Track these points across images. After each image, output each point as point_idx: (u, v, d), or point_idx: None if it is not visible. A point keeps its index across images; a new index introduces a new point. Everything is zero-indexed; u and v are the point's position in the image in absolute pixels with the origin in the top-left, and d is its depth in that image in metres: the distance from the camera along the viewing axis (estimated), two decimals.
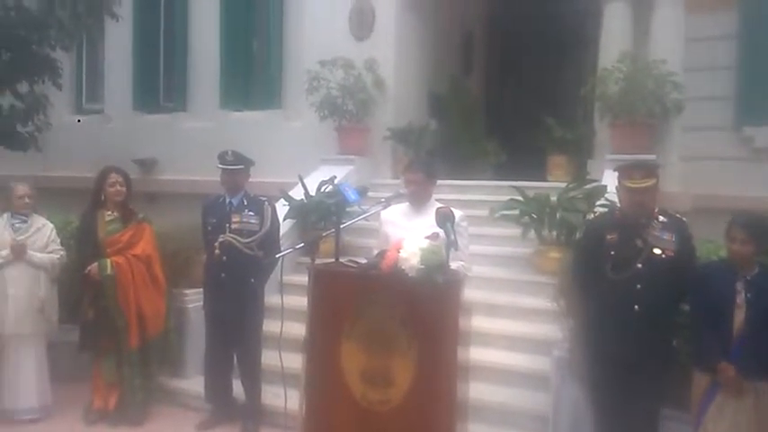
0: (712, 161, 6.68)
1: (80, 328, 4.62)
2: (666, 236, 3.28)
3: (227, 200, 4.49)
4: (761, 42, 6.80)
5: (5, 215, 4.65)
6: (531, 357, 4.50)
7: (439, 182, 3.95)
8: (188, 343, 5.09)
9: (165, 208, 7.28)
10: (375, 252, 3.50)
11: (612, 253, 3.31)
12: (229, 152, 4.47)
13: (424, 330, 3.14)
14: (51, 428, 4.53)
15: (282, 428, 3.74)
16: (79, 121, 9.76)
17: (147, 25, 9.39)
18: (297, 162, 7.02)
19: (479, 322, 4.52)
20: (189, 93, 9.06)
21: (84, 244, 4.59)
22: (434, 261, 3.06)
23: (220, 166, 4.45)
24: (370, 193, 3.88)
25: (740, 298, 3.15)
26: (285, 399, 3.58)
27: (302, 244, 3.71)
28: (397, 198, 3.73)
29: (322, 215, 5.93)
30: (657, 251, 3.26)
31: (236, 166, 4.44)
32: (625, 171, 3.35)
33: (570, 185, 5.43)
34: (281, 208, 5.87)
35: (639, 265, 3.25)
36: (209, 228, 4.47)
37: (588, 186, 5.31)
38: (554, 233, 5.21)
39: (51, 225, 4.76)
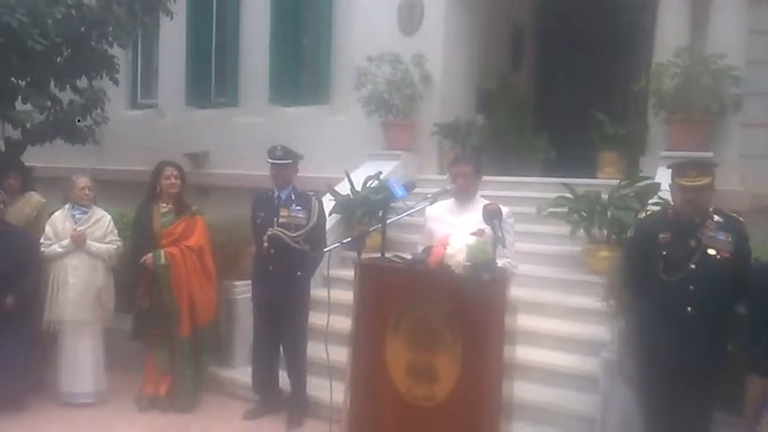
0: None
1: (134, 316, 4.77)
2: (722, 236, 3.17)
3: (276, 194, 4.56)
4: None
5: (66, 206, 4.84)
6: (579, 358, 4.43)
7: (486, 178, 3.92)
8: (237, 333, 5.20)
9: (215, 201, 7.46)
10: (420, 248, 3.50)
11: (665, 253, 3.22)
12: (279, 147, 4.53)
13: (470, 327, 3.12)
14: (105, 412, 4.70)
15: (327, 420, 3.77)
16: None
17: (199, 22, 9.60)
18: (344, 157, 7.08)
19: (526, 321, 4.48)
20: (240, 88, 9.24)
21: (139, 235, 4.74)
22: (481, 258, 3.04)
23: (270, 160, 4.52)
24: (416, 189, 3.87)
25: None
26: (330, 391, 3.61)
27: (349, 238, 3.73)
28: (444, 194, 3.71)
29: (368, 210, 5.96)
30: (712, 252, 3.15)
31: (284, 160, 4.50)
32: (679, 169, 3.24)
33: (622, 183, 5.29)
34: (328, 203, 5.92)
35: (693, 266, 3.15)
36: (258, 221, 4.55)
37: (640, 184, 5.17)
38: (604, 231, 5.10)
39: (109, 216, 4.93)
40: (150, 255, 4.59)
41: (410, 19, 7.58)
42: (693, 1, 6.22)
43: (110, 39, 7.60)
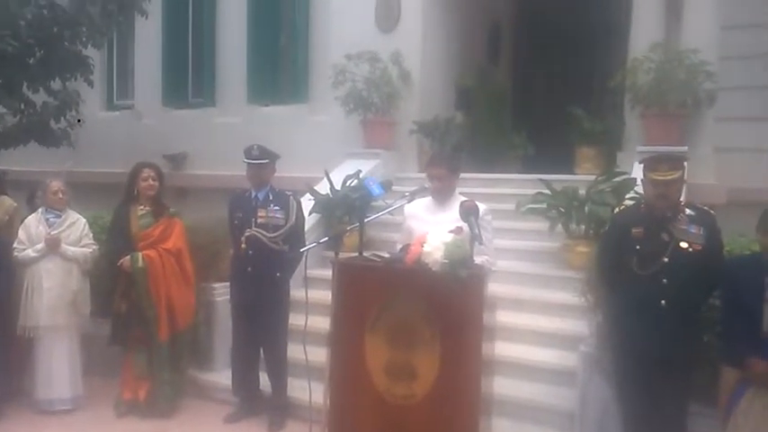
0: (747, 153, 6.49)
1: (111, 321, 4.71)
2: (694, 229, 3.21)
3: (254, 194, 4.52)
4: None
5: (40, 210, 4.78)
6: (558, 353, 4.45)
7: (465, 175, 3.92)
8: (216, 336, 5.15)
9: (193, 202, 7.40)
10: (399, 246, 3.49)
11: (638, 247, 3.26)
12: (255, 147, 4.50)
13: (448, 325, 3.12)
14: (82, 419, 4.63)
15: (308, 422, 3.76)
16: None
17: (175, 22, 9.51)
18: (323, 156, 7.04)
19: (506, 317, 4.49)
20: (217, 88, 9.16)
21: (116, 238, 4.68)
22: (458, 255, 3.04)
23: (246, 160, 4.48)
24: (395, 187, 3.87)
25: None
26: (310, 392, 3.60)
27: (326, 238, 3.72)
28: (421, 192, 3.71)
29: (347, 209, 5.93)
30: (684, 245, 3.19)
31: (261, 160, 4.47)
32: (650, 163, 3.28)
33: (599, 178, 5.34)
34: (307, 202, 5.89)
35: (666, 260, 3.19)
36: (236, 222, 4.52)
37: (617, 179, 5.21)
38: (582, 227, 5.14)
39: (84, 220, 4.86)
40: (128, 258, 4.53)
41: (387, 16, 7.57)
42: None
43: (84, 39, 7.52)
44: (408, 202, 3.72)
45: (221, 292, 5.09)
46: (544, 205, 5.26)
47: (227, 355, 4.92)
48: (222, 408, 4.74)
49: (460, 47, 8.11)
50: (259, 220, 4.41)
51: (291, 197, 4.57)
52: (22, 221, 4.77)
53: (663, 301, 3.19)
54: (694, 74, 5.86)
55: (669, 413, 3.26)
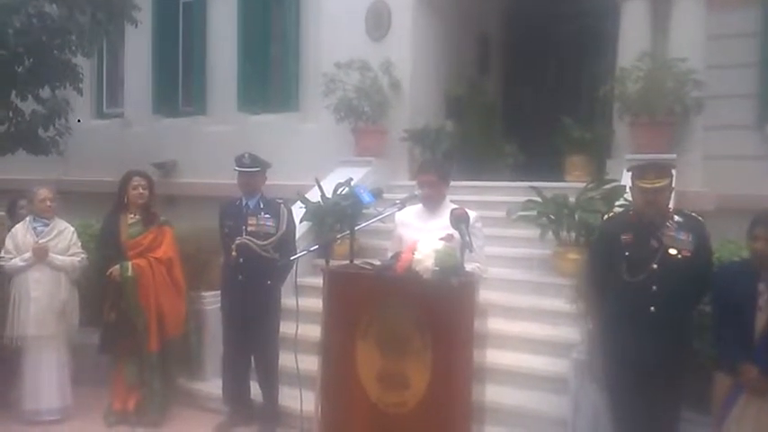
0: (735, 160, 6.54)
1: (101, 330, 4.67)
2: (682, 236, 3.23)
3: (244, 202, 4.51)
4: None
5: (27, 218, 4.73)
6: (549, 360, 4.45)
7: (456, 183, 3.93)
8: (207, 345, 5.12)
9: (184, 211, 7.35)
10: (390, 254, 3.49)
11: (627, 254, 3.27)
12: (246, 155, 4.49)
13: (439, 332, 3.12)
14: (71, 430, 4.59)
15: (299, 430, 3.74)
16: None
17: (165, 30, 9.50)
18: (314, 164, 7.04)
19: (497, 324, 4.49)
20: (207, 97, 9.15)
21: (106, 246, 4.65)
22: (449, 263, 3.04)
23: (237, 168, 4.47)
24: (386, 195, 3.88)
25: (762, 299, 3.07)
26: (301, 401, 3.58)
27: (316, 246, 3.72)
28: (412, 200, 3.71)
29: (338, 217, 5.93)
30: (673, 251, 3.21)
31: (252, 168, 4.46)
32: (638, 171, 3.31)
33: (589, 186, 5.37)
34: (298, 210, 5.88)
35: (655, 266, 3.21)
36: (227, 230, 4.50)
37: (607, 187, 5.24)
38: (572, 234, 5.16)
39: (72, 228, 4.82)
40: (117, 267, 4.50)
41: (378, 25, 7.60)
42: (654, 7, 6.35)
43: (73, 48, 7.49)
44: (399, 209, 3.72)
45: (212, 301, 5.06)
46: (534, 213, 5.27)
47: (217, 363, 4.88)
48: (213, 417, 4.70)
49: (450, 56, 8.15)
50: (250, 228, 4.40)
51: (282, 205, 4.56)
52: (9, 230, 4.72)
53: (652, 308, 3.20)
54: (682, 82, 5.92)
55: (661, 420, 3.26)
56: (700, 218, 3.38)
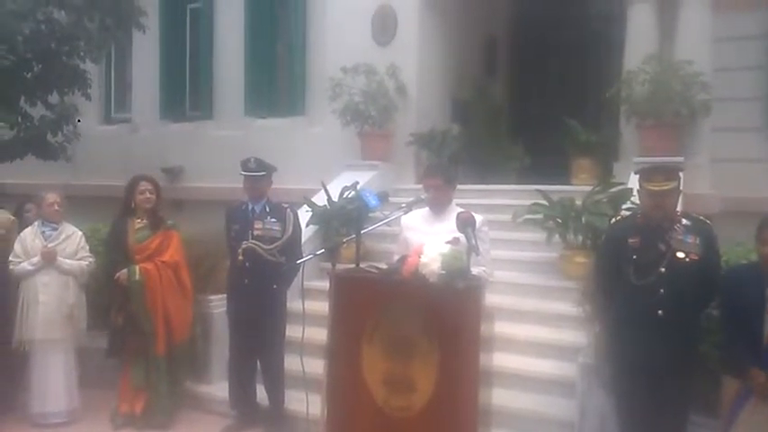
0: (742, 163, 6.50)
1: (108, 334, 4.69)
2: (690, 239, 3.22)
3: (250, 206, 4.53)
4: None
5: (36, 223, 4.77)
6: (556, 364, 4.44)
7: (462, 186, 3.93)
8: (213, 348, 5.13)
9: (191, 215, 7.37)
10: (396, 257, 3.49)
11: (635, 257, 3.26)
12: (252, 159, 4.51)
13: (446, 336, 3.11)
14: None
15: None
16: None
17: (172, 36, 9.56)
18: (320, 168, 7.05)
19: (504, 328, 4.47)
20: (214, 101, 9.19)
21: (113, 250, 4.67)
22: (455, 266, 3.04)
23: (243, 173, 4.49)
24: (392, 199, 3.87)
25: None
26: (307, 404, 3.58)
27: (323, 250, 3.71)
28: (418, 203, 3.72)
29: (344, 221, 5.94)
30: (681, 255, 3.19)
31: (258, 172, 4.48)
32: (645, 174, 3.29)
33: (596, 189, 5.35)
34: (304, 214, 5.89)
35: (662, 270, 3.19)
36: (233, 234, 4.51)
37: (613, 190, 5.22)
38: (579, 237, 5.14)
39: (80, 232, 4.85)
40: (124, 271, 4.53)
41: (384, 30, 7.61)
42: (660, 10, 6.34)
43: (81, 54, 7.54)
44: (405, 213, 3.73)
45: (218, 305, 5.07)
46: (541, 216, 5.26)
47: (224, 367, 4.89)
48: (219, 420, 4.71)
49: (457, 59, 8.15)
50: (256, 233, 4.41)
51: (288, 209, 4.57)
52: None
53: (660, 311, 3.18)
54: (689, 85, 5.90)
55: (668, 423, 3.25)
56: (707, 221, 3.37)
